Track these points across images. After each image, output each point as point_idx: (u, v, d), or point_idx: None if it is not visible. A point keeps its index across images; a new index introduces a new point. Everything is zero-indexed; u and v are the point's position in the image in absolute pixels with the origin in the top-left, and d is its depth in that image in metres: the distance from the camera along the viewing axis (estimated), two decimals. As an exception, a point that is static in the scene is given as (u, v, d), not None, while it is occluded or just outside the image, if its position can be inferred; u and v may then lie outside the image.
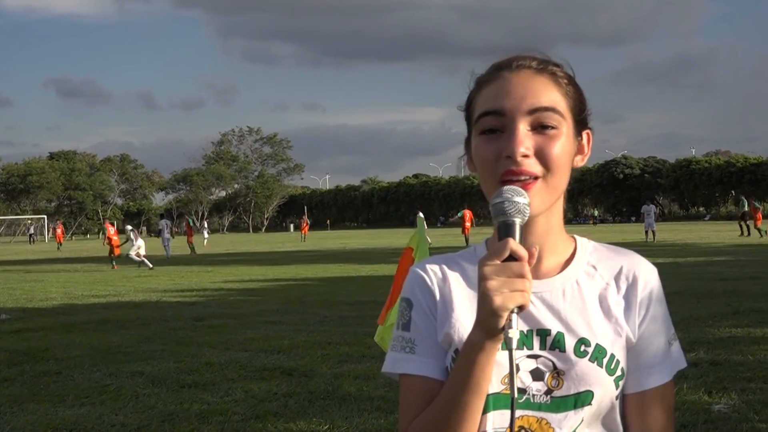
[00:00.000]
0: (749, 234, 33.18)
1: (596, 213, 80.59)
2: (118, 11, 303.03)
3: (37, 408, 6.50)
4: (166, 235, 33.20)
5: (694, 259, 20.63)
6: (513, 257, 1.17)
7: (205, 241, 50.45)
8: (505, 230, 1.21)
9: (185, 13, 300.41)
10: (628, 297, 1.38)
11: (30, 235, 77.81)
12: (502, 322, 1.15)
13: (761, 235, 31.76)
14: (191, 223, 39.81)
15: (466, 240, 33.68)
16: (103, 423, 5.99)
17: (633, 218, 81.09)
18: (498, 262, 1.17)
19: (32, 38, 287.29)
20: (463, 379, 1.23)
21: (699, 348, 7.61)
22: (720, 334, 8.58)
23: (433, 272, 1.42)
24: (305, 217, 62.41)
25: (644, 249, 25.57)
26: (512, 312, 1.16)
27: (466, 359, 1.23)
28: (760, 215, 33.13)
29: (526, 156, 1.28)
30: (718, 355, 7.42)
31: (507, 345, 1.15)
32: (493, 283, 1.15)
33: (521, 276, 1.16)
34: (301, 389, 6.79)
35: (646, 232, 33.39)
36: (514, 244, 1.17)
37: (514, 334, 1.15)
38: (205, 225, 55.95)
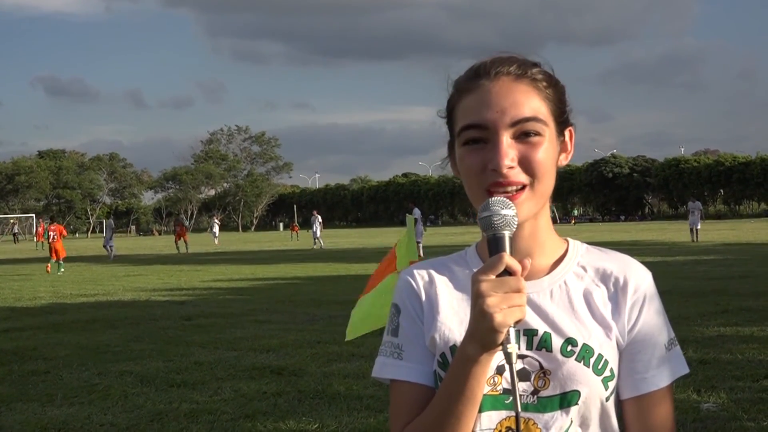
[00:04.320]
0: None
1: (575, 212, 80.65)
2: (106, 10, 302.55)
3: (25, 407, 6.48)
4: (109, 235, 33.66)
5: (683, 258, 20.70)
6: (508, 271, 1.17)
7: (216, 239, 46.94)
8: (495, 244, 1.21)
9: (173, 12, 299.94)
10: (617, 300, 1.36)
11: (14, 234, 77.26)
12: (502, 337, 1.15)
13: None
14: (184, 223, 39.68)
15: None
16: (91, 422, 5.96)
17: (622, 217, 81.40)
18: (493, 277, 1.16)
19: (19, 36, 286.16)
20: (458, 389, 1.23)
21: (688, 347, 7.63)
22: (709, 332, 8.62)
23: (420, 276, 1.43)
24: (294, 224, 62.35)
25: (689, 248, 25.62)
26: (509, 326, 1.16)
27: (461, 371, 1.22)
28: None
29: (511, 168, 1.28)
30: (707, 353, 7.45)
31: (507, 360, 1.16)
32: (492, 300, 1.14)
33: (518, 290, 1.15)
34: (290, 388, 6.79)
35: (692, 230, 30.75)
36: (509, 258, 1.17)
37: (513, 348, 1.15)
38: (216, 221, 50.15)
